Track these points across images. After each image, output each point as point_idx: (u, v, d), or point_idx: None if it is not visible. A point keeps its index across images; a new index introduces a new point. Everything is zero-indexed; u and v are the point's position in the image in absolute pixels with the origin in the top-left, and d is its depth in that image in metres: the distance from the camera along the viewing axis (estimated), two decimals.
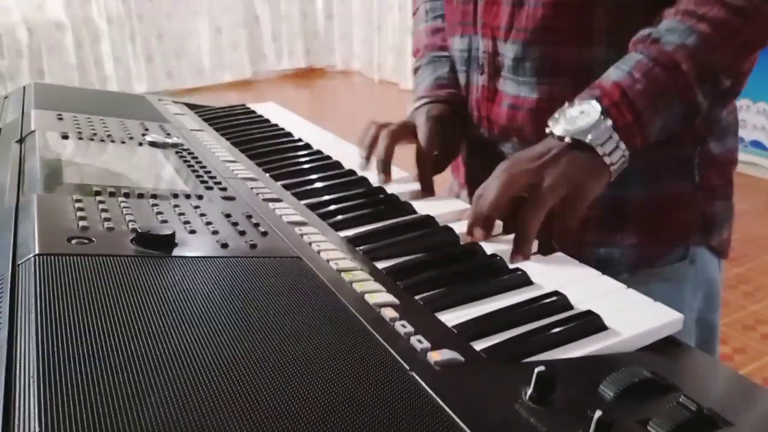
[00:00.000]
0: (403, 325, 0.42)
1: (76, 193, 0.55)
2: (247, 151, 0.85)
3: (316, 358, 0.37)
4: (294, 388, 0.34)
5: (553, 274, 0.54)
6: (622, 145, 0.59)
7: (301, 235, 0.57)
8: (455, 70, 0.80)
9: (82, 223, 0.48)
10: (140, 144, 0.77)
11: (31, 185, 0.56)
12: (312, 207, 0.66)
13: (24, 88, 1.02)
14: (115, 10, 5.10)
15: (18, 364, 0.33)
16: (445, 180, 0.85)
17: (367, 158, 0.77)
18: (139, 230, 0.47)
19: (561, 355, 0.43)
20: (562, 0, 0.65)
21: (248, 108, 1.11)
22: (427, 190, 0.74)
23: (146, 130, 0.85)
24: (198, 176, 0.68)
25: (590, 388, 0.38)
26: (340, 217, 0.64)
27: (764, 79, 1.66)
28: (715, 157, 0.71)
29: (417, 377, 0.36)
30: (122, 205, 0.54)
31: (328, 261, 0.52)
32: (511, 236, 0.63)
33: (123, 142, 0.77)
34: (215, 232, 0.52)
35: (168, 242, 0.47)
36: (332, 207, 0.66)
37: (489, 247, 0.59)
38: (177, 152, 0.77)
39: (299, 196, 0.70)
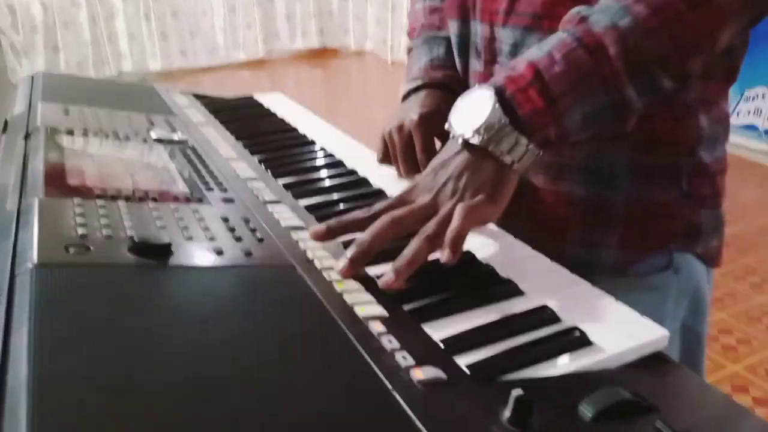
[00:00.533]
0: (390, 341, 0.43)
1: (77, 197, 0.56)
2: (251, 147, 0.86)
3: (298, 375, 0.38)
4: (271, 406, 0.35)
5: (542, 284, 0.54)
6: (524, 140, 0.54)
7: (297, 241, 0.58)
8: (452, 51, 0.78)
9: (80, 231, 0.49)
10: (145, 140, 0.78)
11: (34, 188, 0.57)
12: (311, 209, 0.67)
13: (32, 77, 1.03)
14: None
15: (9, 378, 0.34)
16: None
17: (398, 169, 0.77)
18: (136, 239, 0.48)
19: (545, 370, 0.44)
20: None
21: (255, 100, 1.12)
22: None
23: (152, 124, 0.86)
24: (200, 176, 0.69)
25: (570, 408, 0.39)
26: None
27: None
28: (706, 167, 0.70)
29: (398, 397, 0.37)
30: (122, 210, 0.55)
31: (321, 270, 0.52)
32: (505, 237, 0.63)
33: (128, 139, 0.78)
34: (212, 239, 0.53)
35: (164, 251, 0.48)
36: (330, 210, 0.67)
37: (482, 251, 0.59)
38: (181, 149, 0.78)
39: (299, 196, 0.70)
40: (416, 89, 0.77)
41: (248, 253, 0.52)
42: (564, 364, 0.44)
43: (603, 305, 0.52)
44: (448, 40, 0.79)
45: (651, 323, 0.49)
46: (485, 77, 0.72)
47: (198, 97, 1.14)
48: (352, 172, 0.78)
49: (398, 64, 5.46)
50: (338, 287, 0.50)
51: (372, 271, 0.54)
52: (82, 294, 0.42)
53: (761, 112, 3.18)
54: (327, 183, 0.75)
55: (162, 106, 0.98)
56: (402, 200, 0.58)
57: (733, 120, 3.32)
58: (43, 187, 0.57)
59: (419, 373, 0.40)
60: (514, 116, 0.54)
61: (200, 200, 0.62)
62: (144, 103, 0.98)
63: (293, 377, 0.38)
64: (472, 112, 0.55)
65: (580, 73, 0.54)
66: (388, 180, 0.75)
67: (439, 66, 0.78)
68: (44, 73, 1.04)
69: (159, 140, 0.79)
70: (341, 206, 0.68)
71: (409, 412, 0.36)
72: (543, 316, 0.49)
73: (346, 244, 0.58)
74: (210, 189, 0.66)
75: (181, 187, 0.65)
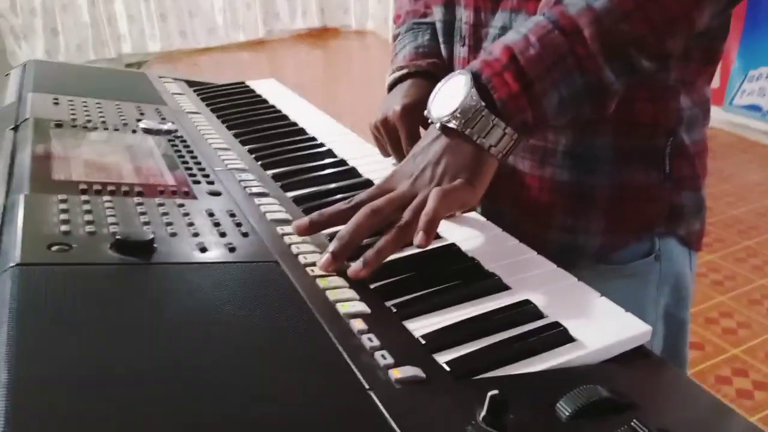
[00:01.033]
0: (370, 339, 0.43)
1: (62, 192, 0.56)
2: (241, 136, 0.85)
3: (276, 374, 0.38)
4: (247, 404, 0.35)
5: (526, 277, 0.54)
6: (501, 123, 0.54)
7: (282, 235, 0.57)
8: (437, 37, 0.78)
9: (63, 228, 0.50)
10: (134, 131, 0.78)
11: (20, 183, 0.57)
12: (297, 201, 0.67)
13: (25, 65, 1.02)
14: None
15: None
16: None
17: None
18: (119, 236, 0.48)
19: (526, 367, 0.44)
20: None
21: (248, 87, 1.11)
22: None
23: (141, 114, 0.86)
24: (187, 168, 0.69)
25: (547, 407, 0.39)
26: None
27: None
28: (686, 148, 0.69)
29: (374, 397, 0.37)
30: (106, 204, 0.55)
31: (305, 266, 0.52)
32: (491, 228, 0.63)
33: (116, 129, 0.77)
34: (196, 234, 0.53)
35: (146, 248, 0.48)
36: (317, 202, 0.66)
37: (468, 243, 0.59)
38: (170, 140, 0.77)
39: (286, 187, 0.70)
40: (401, 78, 0.76)
41: (232, 249, 0.52)
42: (545, 361, 0.44)
43: (586, 300, 0.52)
44: (433, 26, 0.79)
45: (633, 318, 0.49)
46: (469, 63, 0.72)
47: (191, 83, 1.13)
48: (342, 162, 0.78)
49: None
50: (321, 284, 0.50)
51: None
52: (62, 294, 0.42)
53: (765, 92, 3.15)
54: (316, 174, 0.75)
55: (153, 95, 0.98)
56: (382, 189, 0.58)
57: (737, 100, 3.29)
58: (29, 182, 0.57)
59: (397, 372, 0.40)
60: (491, 100, 0.54)
61: (186, 194, 0.62)
62: (135, 92, 0.97)
63: (271, 376, 0.38)
64: (450, 97, 0.55)
65: (556, 56, 0.53)
66: (379, 170, 0.75)
67: (423, 54, 0.78)
68: (36, 61, 1.03)
69: (148, 130, 0.79)
70: (329, 198, 0.67)
71: (385, 412, 0.36)
72: (526, 311, 0.49)
73: (331, 237, 0.58)
74: (197, 182, 0.66)
75: (168, 180, 0.64)
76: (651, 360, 0.47)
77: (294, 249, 0.55)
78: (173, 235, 0.52)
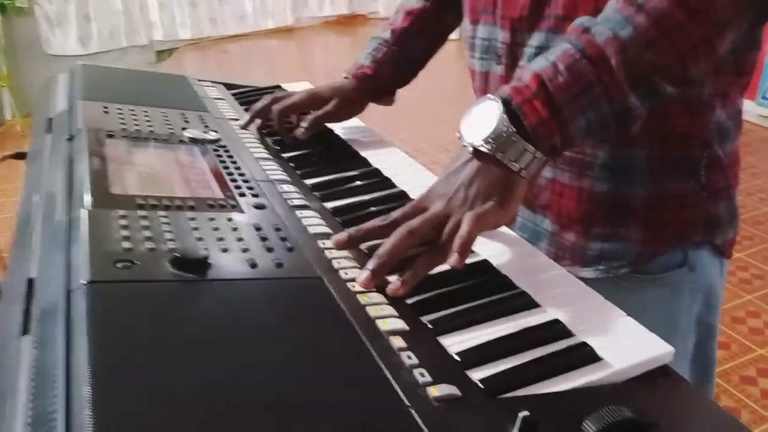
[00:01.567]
0: (409, 357, 0.47)
1: (121, 207, 0.60)
2: (279, 144, 0.89)
3: (322, 390, 0.42)
4: (294, 420, 0.39)
5: (555, 294, 0.57)
6: (531, 148, 0.56)
7: (324, 249, 0.61)
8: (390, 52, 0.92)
9: (126, 245, 0.54)
10: (181, 141, 0.82)
11: (81, 197, 0.61)
12: (336, 212, 0.71)
13: (72, 71, 1.07)
14: None
15: (74, 389, 0.39)
16: None
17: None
18: (177, 254, 0.52)
19: (555, 385, 0.47)
20: None
21: (284, 91, 1.14)
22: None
23: (186, 122, 0.90)
24: (233, 180, 0.73)
25: (574, 424, 0.43)
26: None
27: None
28: (721, 160, 0.72)
29: (414, 414, 0.41)
30: (162, 220, 0.59)
31: (346, 282, 0.56)
32: (522, 244, 0.66)
33: (164, 140, 0.81)
34: (245, 250, 0.57)
35: (202, 265, 0.52)
36: (354, 214, 0.70)
37: (499, 258, 0.62)
38: (215, 149, 0.81)
39: (325, 198, 0.74)
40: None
41: (279, 265, 0.56)
42: (572, 380, 0.47)
43: (612, 319, 0.54)
44: (384, 41, 0.93)
45: (656, 339, 0.52)
46: (506, 81, 0.75)
47: (228, 86, 1.17)
48: (377, 173, 0.81)
49: None
50: (362, 299, 0.54)
51: (393, 278, 0.58)
52: (130, 310, 0.46)
53: None
54: (352, 184, 0.78)
55: (195, 101, 1.02)
56: (417, 208, 0.62)
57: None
58: (89, 197, 0.61)
59: (435, 390, 0.43)
60: (521, 126, 0.56)
61: (234, 207, 0.66)
62: (178, 98, 1.01)
63: (318, 392, 0.42)
64: (481, 121, 0.58)
65: (583, 84, 0.55)
66: (413, 180, 0.78)
67: (360, 66, 0.93)
68: (83, 65, 1.08)
69: (193, 140, 0.83)
70: (365, 211, 0.71)
71: (425, 429, 0.40)
72: (555, 330, 0.52)
73: (370, 251, 0.61)
74: (242, 194, 0.69)
75: (216, 193, 0.68)
76: (673, 380, 0.50)
77: (335, 264, 0.59)
78: (225, 250, 0.56)
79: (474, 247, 0.64)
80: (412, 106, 3.11)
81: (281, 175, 0.78)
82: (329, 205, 0.73)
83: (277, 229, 0.63)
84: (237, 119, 0.97)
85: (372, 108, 0.96)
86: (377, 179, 0.79)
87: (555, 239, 0.77)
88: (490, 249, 0.65)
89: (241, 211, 0.65)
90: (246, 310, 0.50)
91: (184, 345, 0.44)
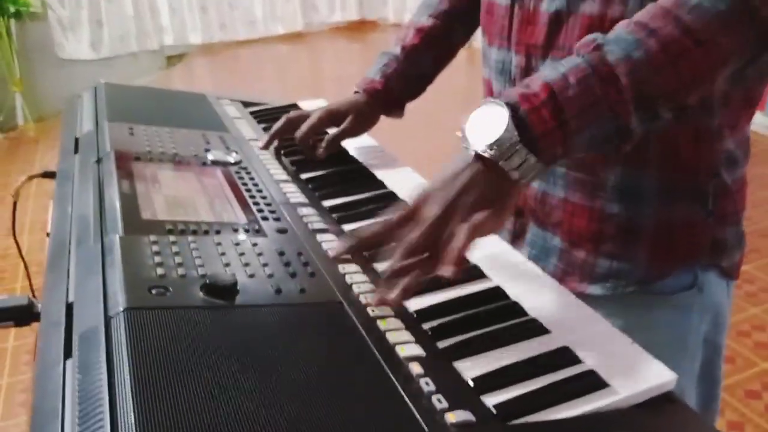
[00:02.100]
0: (427, 383, 0.50)
1: (152, 233, 0.63)
2: (297, 165, 0.93)
3: (346, 417, 0.45)
4: None
5: (564, 319, 0.60)
6: (532, 158, 0.57)
7: (344, 274, 0.64)
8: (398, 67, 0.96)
9: (159, 271, 0.57)
10: (204, 164, 0.85)
11: (113, 223, 0.65)
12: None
13: (95, 89, 1.10)
14: None
15: (119, 410, 0.42)
16: None
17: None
18: (207, 280, 0.55)
19: (564, 411, 0.50)
20: (601, 17, 0.66)
21: (299, 108, 1.18)
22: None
23: (208, 143, 0.93)
24: (255, 203, 0.76)
25: None
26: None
27: None
28: (728, 187, 0.75)
29: None
30: (192, 245, 0.62)
31: (365, 306, 0.59)
32: (530, 268, 0.69)
33: (188, 163, 0.85)
34: (270, 276, 0.60)
35: (231, 291, 0.56)
36: None
37: (511, 285, 0.65)
38: (236, 171, 0.85)
39: (342, 220, 0.77)
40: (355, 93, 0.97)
41: (302, 290, 0.59)
42: (580, 406, 0.50)
43: (619, 346, 0.57)
44: (395, 57, 0.98)
45: (661, 366, 0.54)
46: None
47: (246, 104, 1.20)
48: (392, 195, 0.84)
49: None
50: (382, 325, 0.57)
51: (410, 304, 0.61)
52: (166, 337, 0.49)
53: None
54: (367, 207, 0.81)
55: (216, 121, 1.05)
56: (414, 212, 0.61)
57: None
58: (121, 223, 0.64)
59: (452, 416, 0.46)
60: (526, 134, 0.57)
61: (257, 231, 0.69)
62: (198, 117, 1.05)
63: (344, 420, 0.45)
64: (486, 126, 0.58)
65: (592, 99, 0.57)
66: None
67: (369, 80, 0.98)
68: (106, 84, 1.11)
69: (215, 162, 0.86)
70: None
71: None
72: (564, 357, 0.55)
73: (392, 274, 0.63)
74: (265, 218, 0.72)
75: (240, 217, 0.72)
76: (677, 405, 0.53)
77: (355, 289, 0.62)
78: (251, 276, 0.59)
79: (487, 271, 0.67)
80: (421, 114, 3.14)
81: (300, 197, 0.81)
82: (347, 227, 0.76)
83: (299, 254, 0.66)
84: (256, 139, 1.00)
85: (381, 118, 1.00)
86: (391, 201, 0.82)
87: (565, 256, 0.79)
88: (502, 276, 0.68)
89: (265, 236, 0.68)
90: (272, 336, 0.53)
91: (217, 371, 0.47)
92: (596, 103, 0.57)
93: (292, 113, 0.98)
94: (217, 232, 0.67)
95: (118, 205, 0.68)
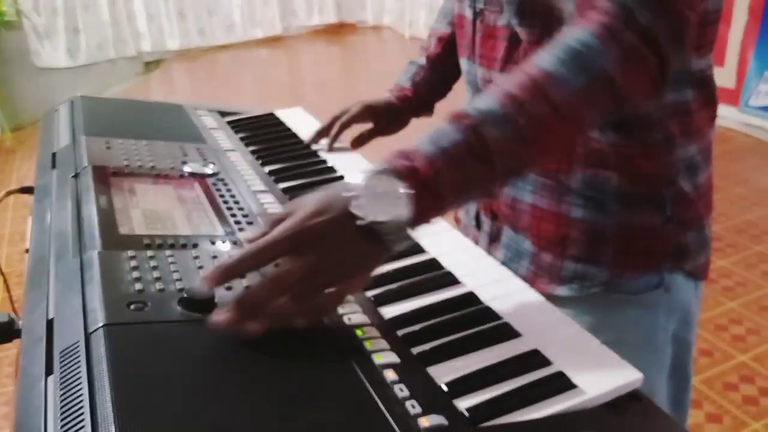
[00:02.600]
0: (401, 389, 0.51)
1: (129, 248, 0.64)
2: (275, 174, 0.94)
3: (325, 424, 0.46)
4: None
5: (534, 322, 0.62)
6: (409, 230, 0.57)
7: None
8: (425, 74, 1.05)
9: (137, 286, 0.58)
10: (181, 176, 0.86)
11: (92, 239, 0.66)
12: None
13: (72, 102, 1.11)
14: None
15: (101, 425, 0.43)
16: None
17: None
18: (185, 294, 0.57)
19: (534, 412, 0.52)
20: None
21: (277, 118, 1.19)
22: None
23: (185, 155, 0.94)
24: (233, 215, 0.77)
25: None
26: None
27: None
28: (687, 194, 0.78)
29: None
30: (169, 260, 0.63)
31: (341, 315, 0.61)
32: (504, 273, 0.71)
33: (166, 176, 0.86)
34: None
35: (209, 305, 0.57)
36: None
37: (484, 290, 0.67)
38: (214, 183, 0.86)
39: None
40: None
41: None
42: (550, 406, 0.52)
43: (586, 347, 0.59)
44: (420, 66, 1.06)
45: (627, 366, 0.56)
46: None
47: (223, 114, 1.21)
48: None
49: (416, 38, 5.46)
50: (359, 333, 0.58)
51: (385, 311, 0.62)
52: (144, 351, 0.51)
53: None
54: None
55: (193, 132, 1.06)
56: (285, 240, 0.56)
57: (753, 101, 3.31)
58: (99, 239, 0.65)
59: (425, 421, 0.48)
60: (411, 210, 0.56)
61: (234, 243, 0.70)
62: (176, 129, 1.06)
63: (320, 425, 0.46)
64: (386, 203, 0.55)
65: (468, 177, 0.58)
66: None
67: (400, 88, 1.07)
68: (82, 97, 1.12)
69: (193, 174, 0.87)
70: None
71: None
72: (534, 360, 0.57)
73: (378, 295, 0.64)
74: (242, 229, 0.74)
75: (217, 229, 0.73)
76: (643, 403, 0.55)
77: None
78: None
79: (460, 276, 0.69)
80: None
81: (277, 207, 0.82)
82: None
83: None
84: (233, 150, 1.01)
85: None
86: None
87: (535, 259, 0.82)
88: (475, 280, 0.69)
89: (242, 247, 0.69)
90: (250, 347, 0.54)
91: (196, 382, 0.48)
92: (472, 182, 0.59)
93: (337, 112, 1.06)
94: (195, 246, 0.68)
95: (95, 220, 0.69)
